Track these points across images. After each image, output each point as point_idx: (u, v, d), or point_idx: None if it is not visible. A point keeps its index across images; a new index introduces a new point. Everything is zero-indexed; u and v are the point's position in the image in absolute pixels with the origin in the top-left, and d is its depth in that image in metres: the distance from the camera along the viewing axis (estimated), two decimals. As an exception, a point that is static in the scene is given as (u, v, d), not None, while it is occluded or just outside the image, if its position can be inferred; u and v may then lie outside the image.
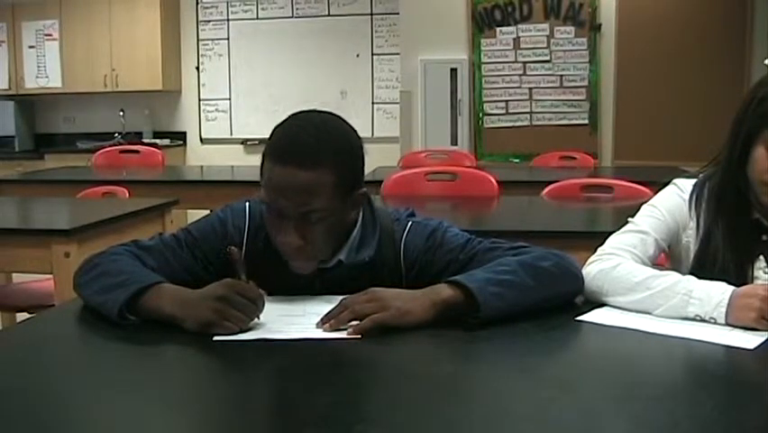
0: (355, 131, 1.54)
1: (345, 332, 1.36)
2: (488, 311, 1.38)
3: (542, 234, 2.63)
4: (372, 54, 7.57)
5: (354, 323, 1.36)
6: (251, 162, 6.37)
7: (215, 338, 1.34)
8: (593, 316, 1.48)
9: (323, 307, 1.43)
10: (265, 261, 1.54)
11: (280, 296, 1.55)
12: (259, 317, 1.40)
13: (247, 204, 1.64)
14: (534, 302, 1.45)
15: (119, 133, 7.77)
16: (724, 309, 1.42)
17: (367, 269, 1.56)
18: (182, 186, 4.62)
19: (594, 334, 1.42)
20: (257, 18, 7.73)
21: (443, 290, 1.42)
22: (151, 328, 1.40)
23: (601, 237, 1.70)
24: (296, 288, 1.57)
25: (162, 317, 1.39)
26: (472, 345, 1.37)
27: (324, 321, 1.39)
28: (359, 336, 1.34)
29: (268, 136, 1.49)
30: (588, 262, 1.62)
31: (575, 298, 1.56)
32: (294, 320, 1.44)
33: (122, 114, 7.85)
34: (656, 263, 1.68)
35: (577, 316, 1.48)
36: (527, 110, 6.42)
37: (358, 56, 7.57)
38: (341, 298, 1.42)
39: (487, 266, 1.48)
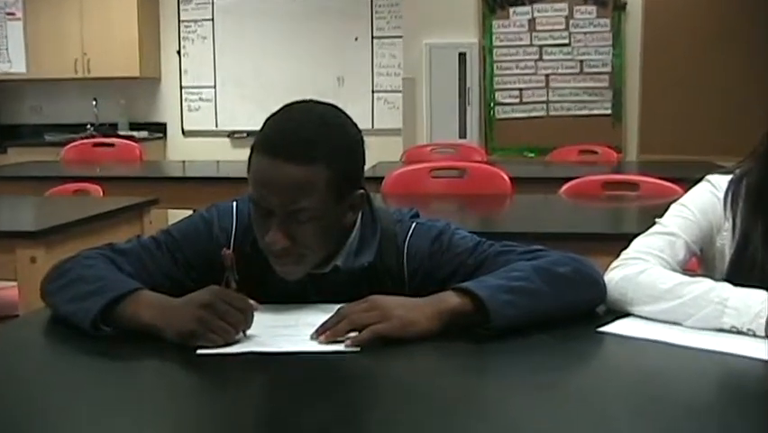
0: (356, 125, 1.55)
1: (342, 344, 1.36)
2: (499, 321, 1.38)
3: (559, 237, 2.63)
4: (372, 37, 7.57)
5: (352, 334, 1.37)
6: (239, 157, 6.36)
7: (199, 351, 1.34)
8: (616, 327, 1.49)
9: (317, 317, 1.44)
10: (254, 266, 1.54)
11: (270, 305, 1.55)
12: (245, 333, 1.40)
13: (234, 203, 1.64)
14: (550, 311, 1.45)
15: (91, 125, 7.78)
16: (763, 321, 1.41)
17: (366, 275, 1.56)
18: (162, 183, 4.62)
19: (617, 346, 1.42)
20: (244, -3, 7.74)
21: (450, 298, 1.42)
22: (128, 340, 1.40)
23: (625, 240, 1.70)
24: (287, 296, 1.58)
25: (140, 327, 1.40)
26: (482, 358, 1.37)
27: (320, 332, 1.39)
28: (357, 349, 1.35)
29: (257, 128, 1.50)
30: (610, 268, 1.62)
31: (596, 307, 1.56)
32: (286, 331, 1.44)
33: (94, 103, 7.86)
34: (687, 269, 1.68)
35: (598, 326, 1.48)
36: (543, 99, 6.42)
37: (356, 39, 7.57)
38: (337, 307, 1.43)
39: (498, 272, 1.48)
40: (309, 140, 1.45)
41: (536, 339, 1.41)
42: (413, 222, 1.63)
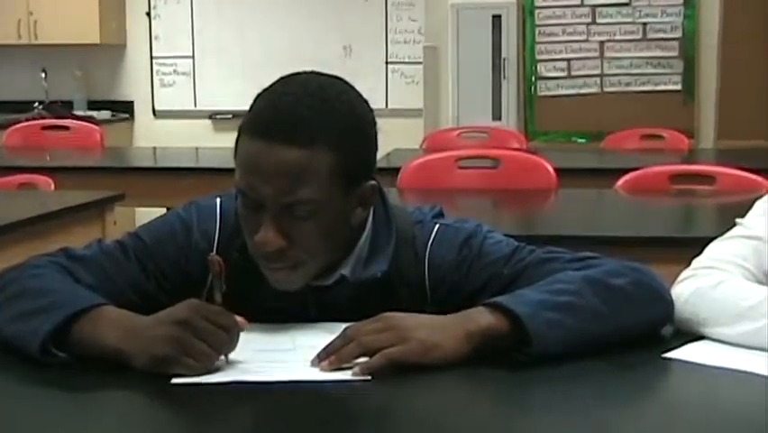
0: (367, 102, 1.56)
1: (350, 372, 1.37)
2: (542, 345, 1.38)
3: (616, 242, 2.63)
4: (386, -4, 7.58)
5: (363, 360, 1.37)
6: (223, 143, 6.32)
7: (174, 381, 1.35)
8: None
9: (319, 338, 1.44)
10: (242, 276, 1.55)
11: (262, 324, 1.56)
12: (227, 357, 1.41)
13: (218, 201, 1.66)
14: (604, 333, 1.45)
15: (40, 103, 7.78)
16: None
17: (379, 288, 1.57)
18: (129, 175, 4.65)
19: (688, 376, 1.43)
20: (229, -53, 7.76)
21: (482, 317, 1.43)
22: (86, 368, 1.40)
23: (698, 245, 1.70)
24: (282, 313, 1.58)
25: (103, 351, 1.40)
26: (521, 389, 1.38)
27: (323, 357, 1.40)
28: (368, 378, 1.35)
29: (245, 108, 1.51)
30: (679, 279, 1.62)
31: (662, 327, 1.56)
32: (280, 356, 1.45)
33: (43, 76, 7.88)
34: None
35: (664, 352, 1.48)
36: (597, 72, 6.41)
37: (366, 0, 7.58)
38: (344, 326, 1.43)
39: (540, 284, 1.48)
40: (309, 118, 1.46)
41: (587, 367, 1.41)
42: (436, 223, 1.64)
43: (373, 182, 1.57)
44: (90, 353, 1.41)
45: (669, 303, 1.55)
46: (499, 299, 1.44)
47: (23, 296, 1.49)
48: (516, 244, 1.62)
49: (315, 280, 1.57)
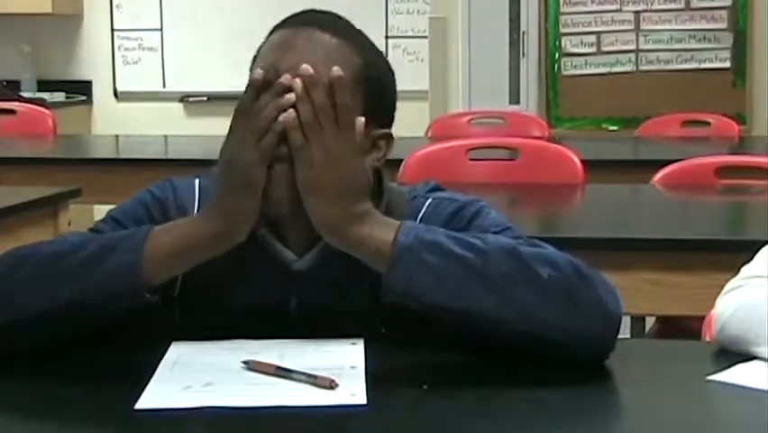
0: None
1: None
2: (397, 283, 1.42)
3: (652, 245, 2.63)
4: (386, -41, 7.59)
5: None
6: (196, 130, 6.28)
7: (139, 406, 1.34)
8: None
9: (308, 355, 1.46)
10: (219, 271, 1.57)
11: (240, 340, 1.56)
12: None
13: (197, 180, 1.69)
14: (490, 317, 1.44)
15: (-19, 83, 7.80)
16: None
17: (366, 270, 1.57)
18: (86, 167, 4.62)
19: (737, 402, 1.43)
20: None
21: (384, 229, 1.47)
22: (39, 395, 1.41)
23: (749, 250, 1.71)
24: (259, 310, 1.59)
25: (202, 240, 1.47)
26: (545, 423, 1.37)
27: None
28: (364, 403, 1.35)
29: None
30: (725, 290, 1.62)
31: (594, 345, 1.49)
32: (266, 377, 1.45)
33: (-14, 52, 7.89)
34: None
35: (710, 374, 1.48)
36: (632, 48, 6.41)
37: (363, -37, 7.59)
38: (336, 344, 1.45)
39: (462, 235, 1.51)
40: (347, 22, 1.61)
41: (620, 391, 1.41)
42: (429, 197, 1.68)
43: (389, 130, 1.64)
44: (181, 266, 1.50)
45: (611, 319, 1.50)
46: (410, 223, 1.50)
47: (52, 261, 1.50)
48: (509, 226, 1.63)
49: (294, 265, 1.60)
